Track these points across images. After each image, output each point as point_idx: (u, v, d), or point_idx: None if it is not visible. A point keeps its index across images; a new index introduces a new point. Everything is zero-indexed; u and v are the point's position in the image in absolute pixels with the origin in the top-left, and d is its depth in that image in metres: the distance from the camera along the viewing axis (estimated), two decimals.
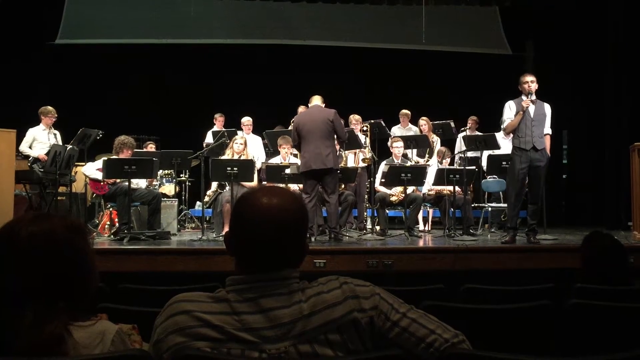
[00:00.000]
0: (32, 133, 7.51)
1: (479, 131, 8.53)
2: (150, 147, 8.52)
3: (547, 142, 5.95)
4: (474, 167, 7.53)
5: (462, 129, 8.64)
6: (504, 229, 7.22)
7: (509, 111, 5.93)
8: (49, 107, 7.65)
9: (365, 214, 7.94)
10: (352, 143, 7.23)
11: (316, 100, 6.39)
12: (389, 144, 7.87)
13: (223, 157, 6.95)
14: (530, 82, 5.85)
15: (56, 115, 7.67)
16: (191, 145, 7.96)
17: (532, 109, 5.84)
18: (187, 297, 1.44)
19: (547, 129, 5.95)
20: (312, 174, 6.10)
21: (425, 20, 9.50)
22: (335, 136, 6.22)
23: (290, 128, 8.33)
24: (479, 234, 7.32)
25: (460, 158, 7.86)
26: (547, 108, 5.97)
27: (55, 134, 7.68)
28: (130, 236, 6.05)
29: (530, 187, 6.02)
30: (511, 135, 6.03)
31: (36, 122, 7.64)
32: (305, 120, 6.22)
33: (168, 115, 10.25)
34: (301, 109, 8.44)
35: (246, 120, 8.42)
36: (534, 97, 5.85)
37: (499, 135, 7.38)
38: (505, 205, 6.75)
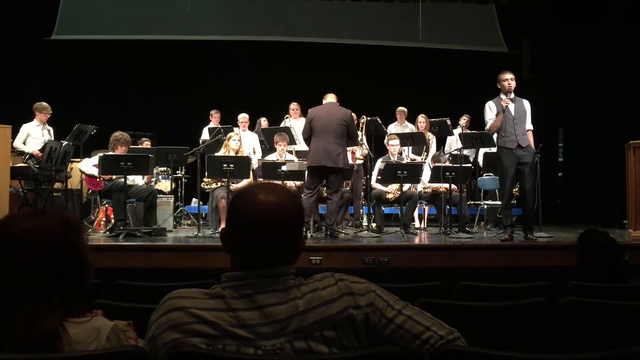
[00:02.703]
0: (25, 129, 7.48)
1: (472, 129, 8.53)
2: (146, 144, 8.49)
3: (530, 137, 5.95)
4: (469, 165, 7.54)
5: (459, 126, 8.65)
6: (499, 226, 7.24)
7: (490, 112, 5.94)
8: (44, 103, 7.62)
9: (361, 211, 7.95)
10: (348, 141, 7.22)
11: (330, 98, 6.38)
12: (385, 141, 7.87)
13: (219, 154, 6.94)
14: (510, 79, 5.85)
15: (51, 112, 7.63)
16: (187, 142, 7.94)
17: (512, 107, 5.86)
18: (182, 293, 1.44)
19: (529, 125, 5.96)
20: (319, 171, 6.08)
21: (422, 18, 9.51)
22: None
23: (282, 125, 8.33)
24: (474, 231, 7.33)
25: (454, 156, 7.85)
26: (527, 104, 5.98)
27: (49, 130, 7.66)
28: (125, 233, 6.03)
29: (521, 184, 6.02)
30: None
31: (31, 117, 7.61)
32: (321, 114, 6.15)
33: (164, 112, 10.22)
34: (292, 106, 8.47)
35: (242, 117, 8.39)
36: (512, 95, 5.86)
37: None
38: (501, 202, 6.76)
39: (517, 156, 5.80)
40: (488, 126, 5.99)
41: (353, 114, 7.73)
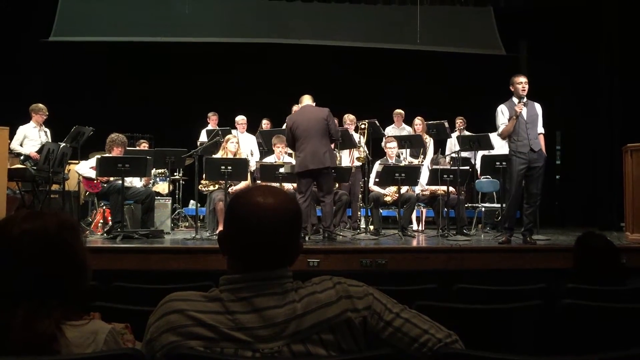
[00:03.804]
0: (22, 130, 7.47)
1: (470, 131, 8.55)
2: (144, 146, 8.48)
3: (542, 141, 5.94)
4: (467, 168, 7.55)
5: (456, 129, 8.67)
6: (497, 229, 7.25)
7: (502, 116, 5.90)
8: (40, 105, 7.61)
9: (359, 213, 7.95)
10: (346, 142, 7.22)
11: (307, 100, 6.32)
12: (383, 143, 7.87)
13: (217, 156, 6.93)
14: (524, 83, 5.83)
15: (47, 113, 7.63)
16: (185, 144, 7.93)
17: (524, 111, 5.83)
18: (180, 296, 1.43)
19: (540, 129, 5.95)
20: (307, 174, 6.09)
21: (420, 20, 9.52)
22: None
23: (284, 127, 8.33)
24: (472, 234, 7.34)
25: (453, 158, 7.87)
26: (538, 108, 5.97)
27: (45, 132, 7.65)
28: (123, 234, 6.02)
29: (527, 187, 5.98)
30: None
31: (28, 119, 7.59)
32: (299, 120, 6.16)
33: (162, 114, 10.21)
34: (295, 107, 8.44)
35: (240, 119, 8.39)
36: (525, 100, 5.85)
37: (493, 136, 7.39)
38: (499, 205, 6.76)
39: (529, 160, 5.78)
40: (500, 130, 5.92)
41: (352, 116, 7.79)
